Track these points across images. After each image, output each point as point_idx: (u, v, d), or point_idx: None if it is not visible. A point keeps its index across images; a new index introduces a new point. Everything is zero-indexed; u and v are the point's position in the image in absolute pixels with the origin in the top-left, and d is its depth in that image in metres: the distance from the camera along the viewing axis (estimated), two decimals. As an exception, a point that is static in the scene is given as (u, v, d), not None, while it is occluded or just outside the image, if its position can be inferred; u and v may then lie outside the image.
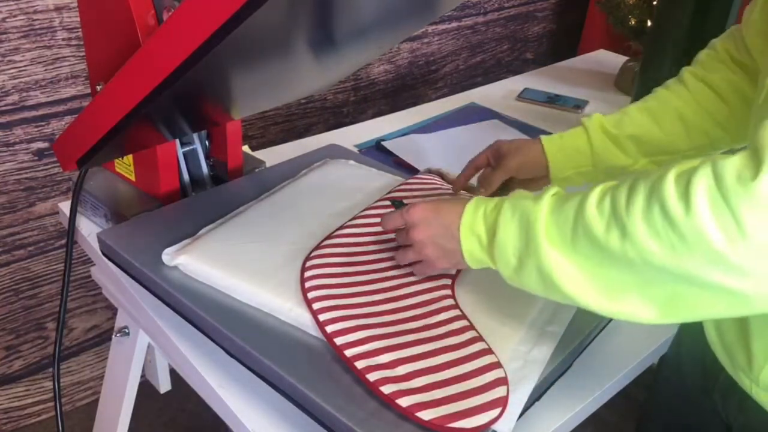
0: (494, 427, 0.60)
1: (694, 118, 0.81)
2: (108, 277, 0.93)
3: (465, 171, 0.91)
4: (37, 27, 1.23)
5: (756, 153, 0.45)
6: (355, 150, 1.23)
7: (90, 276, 1.10)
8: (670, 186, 0.47)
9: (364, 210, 0.89)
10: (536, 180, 0.88)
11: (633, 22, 1.59)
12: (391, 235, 0.83)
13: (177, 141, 0.94)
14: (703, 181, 0.46)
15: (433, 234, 0.68)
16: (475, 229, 0.64)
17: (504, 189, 0.90)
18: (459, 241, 0.65)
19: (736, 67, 0.80)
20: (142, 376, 1.10)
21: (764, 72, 0.64)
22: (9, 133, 1.29)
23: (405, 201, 0.91)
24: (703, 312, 0.52)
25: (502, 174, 0.86)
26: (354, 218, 0.87)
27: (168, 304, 0.77)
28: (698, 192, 0.45)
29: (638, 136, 0.82)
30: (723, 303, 0.49)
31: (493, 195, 0.89)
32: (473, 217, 0.64)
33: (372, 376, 0.62)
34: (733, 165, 0.45)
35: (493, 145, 0.89)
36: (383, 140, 1.27)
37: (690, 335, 0.77)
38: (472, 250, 0.64)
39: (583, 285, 0.55)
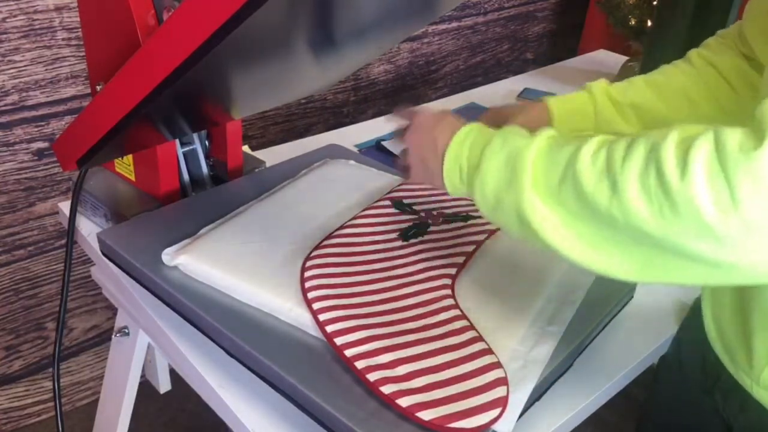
0: (494, 427, 0.60)
1: (699, 97, 0.81)
2: (108, 277, 0.93)
3: None
4: (37, 27, 1.23)
5: (759, 126, 0.44)
6: (355, 150, 1.23)
7: (90, 276, 1.10)
8: (670, 149, 0.46)
9: (364, 210, 0.89)
10: None
11: (633, 22, 1.59)
12: (392, 235, 0.83)
13: (177, 141, 0.94)
14: (703, 147, 0.44)
15: (422, 144, 0.66)
16: (460, 156, 0.61)
17: None
18: (441, 163, 0.62)
19: (741, 55, 0.80)
20: (142, 376, 1.10)
21: None
22: (9, 133, 1.29)
23: (405, 201, 0.91)
24: (679, 277, 0.50)
25: None
26: (354, 218, 0.87)
27: (168, 304, 0.77)
28: (697, 158, 0.44)
29: (641, 106, 0.82)
30: (701, 271, 0.48)
31: None
32: (462, 143, 0.61)
33: (372, 376, 0.62)
34: (735, 134, 0.44)
35: (490, 111, 0.87)
36: (383, 140, 1.27)
37: (690, 335, 0.77)
38: (452, 178, 0.62)
39: (560, 233, 0.53)
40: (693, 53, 0.84)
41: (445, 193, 0.92)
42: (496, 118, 0.87)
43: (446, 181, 0.62)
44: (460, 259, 0.80)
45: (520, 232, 0.56)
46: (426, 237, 0.84)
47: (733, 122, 0.83)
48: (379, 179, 1.00)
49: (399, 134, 0.72)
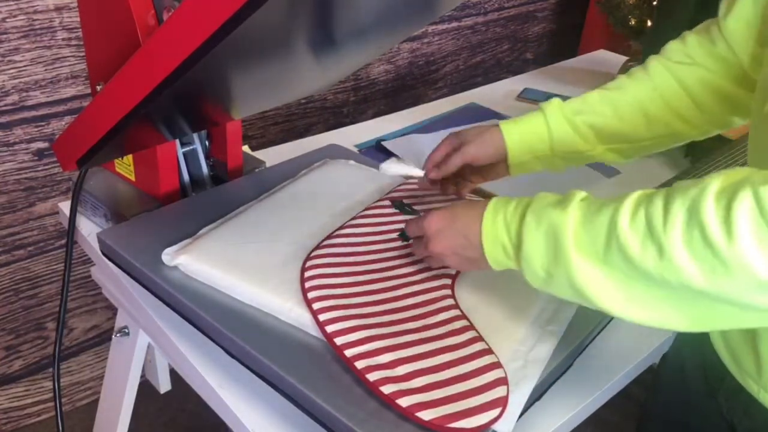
0: (494, 427, 0.60)
1: (656, 110, 0.80)
2: (108, 277, 0.93)
3: (427, 165, 0.88)
4: (37, 27, 1.23)
5: None
6: (355, 150, 1.23)
7: (90, 276, 1.11)
8: (710, 209, 0.47)
9: (364, 210, 0.89)
10: (493, 165, 0.87)
11: (633, 22, 1.59)
12: (392, 235, 0.83)
13: (177, 141, 0.94)
14: (744, 207, 0.45)
15: (451, 245, 0.67)
16: (499, 237, 0.62)
17: (460, 176, 0.89)
18: (482, 250, 0.64)
19: (711, 60, 0.78)
20: (142, 376, 1.10)
21: (765, 75, 0.64)
22: (9, 133, 1.29)
23: (405, 201, 0.91)
24: (732, 324, 0.52)
25: (459, 159, 0.85)
26: (354, 218, 0.87)
27: (168, 304, 0.77)
28: (740, 219, 0.45)
29: (597, 125, 0.82)
30: (755, 317, 0.50)
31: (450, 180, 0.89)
32: (493, 225, 0.63)
33: (372, 376, 0.62)
34: None
35: (453, 134, 0.88)
36: (383, 140, 1.27)
37: (691, 336, 0.77)
38: (497, 258, 0.63)
39: (615, 297, 0.55)
40: (652, 61, 0.82)
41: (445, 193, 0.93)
42: (455, 142, 0.87)
43: (492, 263, 0.64)
44: (460, 259, 0.80)
45: (574, 299, 0.58)
46: (426, 237, 0.84)
47: (693, 130, 0.83)
48: (379, 179, 1.00)
49: (418, 247, 0.73)
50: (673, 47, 0.81)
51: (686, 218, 0.48)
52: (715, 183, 0.48)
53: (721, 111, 0.80)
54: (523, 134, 0.83)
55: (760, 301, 0.47)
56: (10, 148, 1.30)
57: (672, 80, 0.80)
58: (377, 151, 1.25)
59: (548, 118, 0.83)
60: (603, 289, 0.55)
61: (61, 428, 0.90)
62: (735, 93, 0.78)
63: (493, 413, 0.60)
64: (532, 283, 0.61)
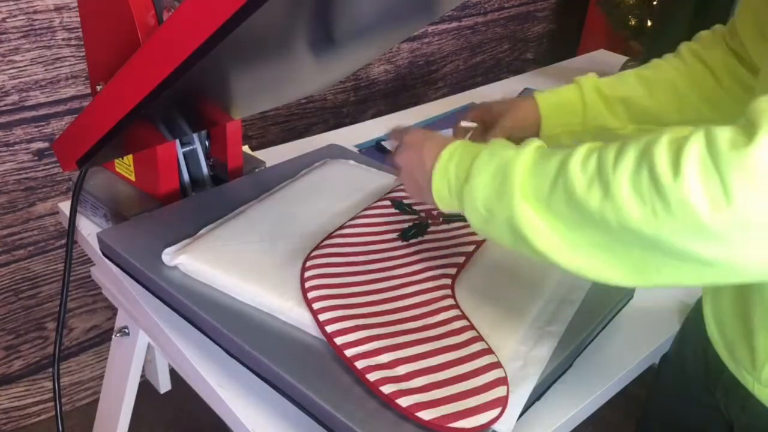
0: (494, 427, 0.60)
1: (688, 92, 0.82)
2: (108, 277, 0.93)
3: (455, 135, 0.89)
4: (37, 27, 1.23)
5: (750, 122, 0.44)
6: (355, 150, 1.23)
7: (90, 276, 1.11)
8: (662, 150, 0.46)
9: (364, 210, 0.89)
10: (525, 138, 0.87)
11: (633, 22, 1.59)
12: (392, 235, 0.83)
13: (177, 141, 0.94)
14: (695, 146, 0.44)
15: (411, 164, 0.67)
16: (448, 171, 0.61)
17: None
18: (430, 180, 0.63)
19: (732, 51, 0.81)
20: (142, 376, 1.10)
21: (765, 72, 0.64)
22: (9, 133, 1.29)
23: (405, 201, 0.91)
24: (671, 279, 0.50)
25: (499, 134, 0.84)
26: (354, 218, 0.87)
27: (168, 304, 0.77)
28: (689, 157, 0.44)
29: (629, 100, 0.82)
30: (694, 271, 0.48)
31: None
32: (449, 159, 0.62)
33: (372, 376, 0.62)
34: (726, 132, 0.44)
35: (480, 106, 0.87)
36: (383, 140, 1.27)
37: (692, 334, 0.77)
38: (440, 192, 0.62)
39: (552, 241, 0.53)
40: (683, 46, 0.85)
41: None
42: (486, 115, 0.87)
43: (435, 195, 0.63)
44: (460, 259, 0.80)
45: (512, 243, 0.57)
46: (426, 237, 0.84)
47: (721, 117, 0.84)
48: (379, 179, 1.00)
49: (394, 152, 0.73)
50: (704, 35, 0.85)
51: (637, 159, 0.47)
52: (672, 131, 0.48)
53: (746, 99, 0.80)
54: (558, 106, 0.84)
55: (698, 248, 0.45)
56: (10, 148, 1.30)
57: (700, 63, 0.82)
58: (377, 151, 1.25)
59: (583, 91, 0.83)
60: (541, 231, 0.54)
61: (61, 428, 0.90)
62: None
63: (493, 413, 0.60)
64: (472, 222, 0.60)
